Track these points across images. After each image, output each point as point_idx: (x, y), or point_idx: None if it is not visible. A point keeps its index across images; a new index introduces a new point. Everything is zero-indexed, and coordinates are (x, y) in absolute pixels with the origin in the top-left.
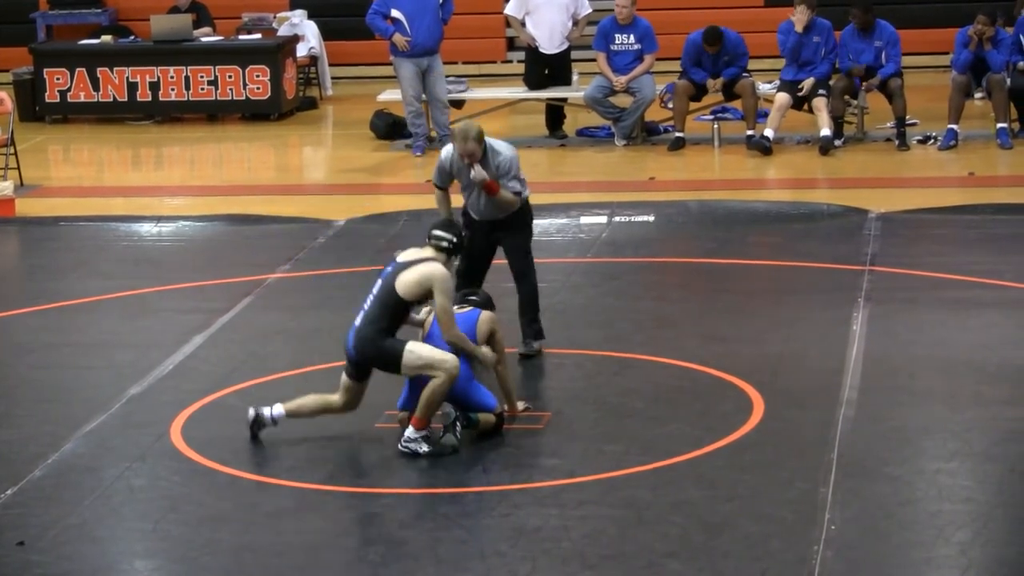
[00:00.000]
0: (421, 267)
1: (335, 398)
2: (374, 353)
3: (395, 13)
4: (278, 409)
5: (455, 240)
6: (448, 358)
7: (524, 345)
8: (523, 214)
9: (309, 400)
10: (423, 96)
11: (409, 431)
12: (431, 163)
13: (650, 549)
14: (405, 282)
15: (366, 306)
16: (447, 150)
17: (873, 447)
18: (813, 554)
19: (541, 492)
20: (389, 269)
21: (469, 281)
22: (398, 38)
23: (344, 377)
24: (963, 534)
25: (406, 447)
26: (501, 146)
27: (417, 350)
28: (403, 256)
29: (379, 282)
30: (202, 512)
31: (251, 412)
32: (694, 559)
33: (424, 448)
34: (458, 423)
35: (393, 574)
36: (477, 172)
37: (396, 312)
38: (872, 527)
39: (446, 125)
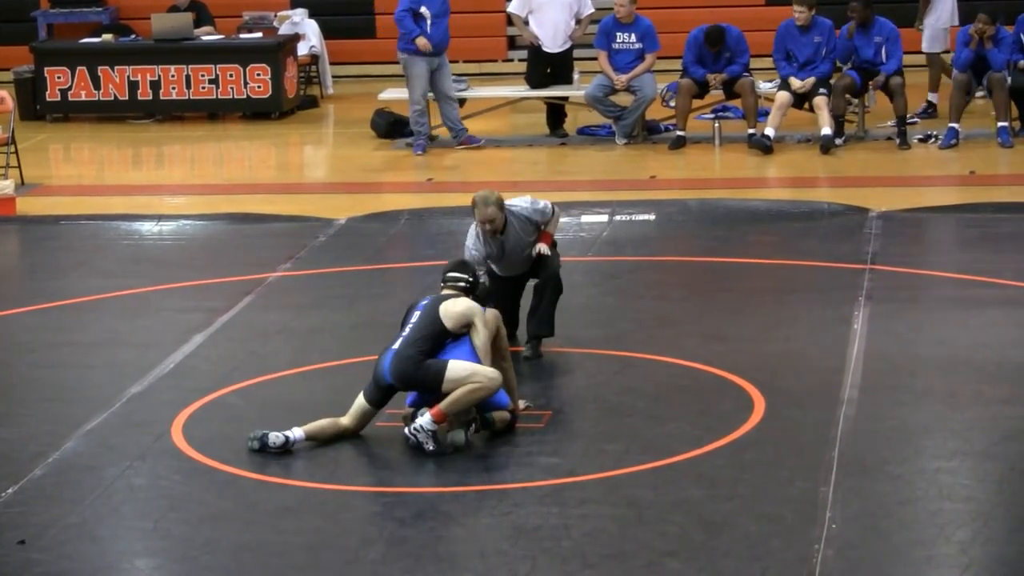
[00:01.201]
0: (463, 301)
1: (345, 422)
2: (416, 372)
3: (423, 10)
4: (298, 433)
5: (471, 279)
6: (493, 373)
7: (528, 348)
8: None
9: (326, 425)
10: (429, 94)
11: (426, 420)
12: (432, 162)
13: (650, 548)
14: (449, 312)
15: (404, 333)
16: (471, 236)
17: (874, 446)
18: (814, 553)
19: (541, 491)
20: (426, 302)
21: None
22: (422, 41)
23: (361, 401)
24: (963, 533)
25: (414, 434)
26: (516, 202)
27: (461, 364)
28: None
29: (416, 313)
30: (202, 511)
31: (280, 437)
32: (694, 558)
33: (430, 446)
34: (473, 424)
35: (393, 573)
36: (542, 248)
37: (437, 340)
38: (873, 526)
39: (457, 119)
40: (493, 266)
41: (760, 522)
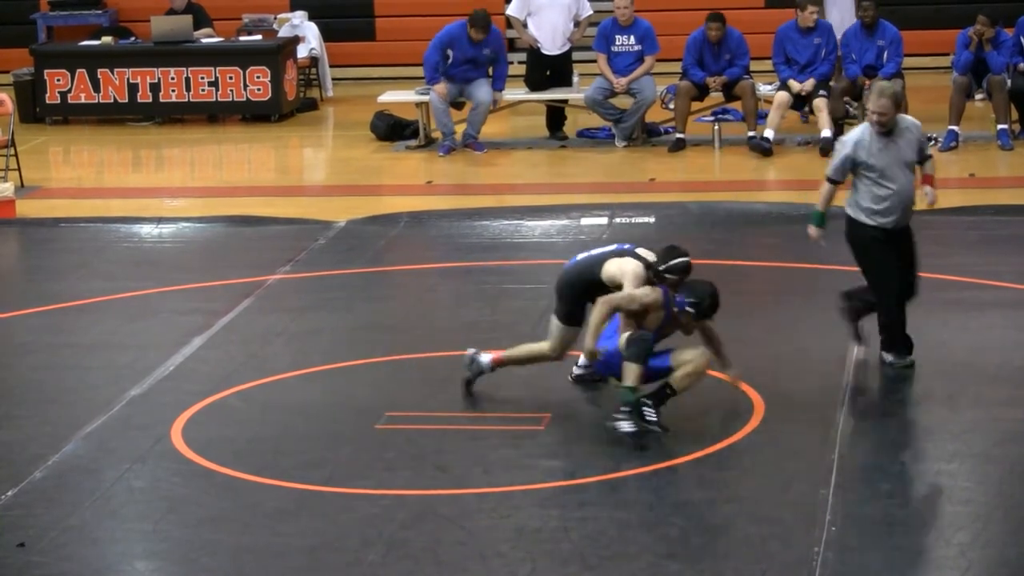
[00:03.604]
0: (626, 263)
1: (546, 348)
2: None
3: (448, 52)
4: (486, 357)
5: (653, 262)
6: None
7: (896, 356)
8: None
9: (525, 350)
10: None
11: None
12: (431, 165)
13: (650, 550)
14: (609, 267)
15: (590, 253)
16: (858, 133)
17: (873, 448)
18: (813, 555)
19: (541, 493)
20: (622, 247)
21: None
22: (440, 89)
23: (554, 320)
24: (963, 535)
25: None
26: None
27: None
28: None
29: (610, 248)
30: (202, 513)
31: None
32: (694, 560)
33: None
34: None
35: (393, 575)
36: (931, 194)
37: (592, 280)
38: (872, 528)
39: (477, 125)
40: (875, 189)
41: (760, 525)
